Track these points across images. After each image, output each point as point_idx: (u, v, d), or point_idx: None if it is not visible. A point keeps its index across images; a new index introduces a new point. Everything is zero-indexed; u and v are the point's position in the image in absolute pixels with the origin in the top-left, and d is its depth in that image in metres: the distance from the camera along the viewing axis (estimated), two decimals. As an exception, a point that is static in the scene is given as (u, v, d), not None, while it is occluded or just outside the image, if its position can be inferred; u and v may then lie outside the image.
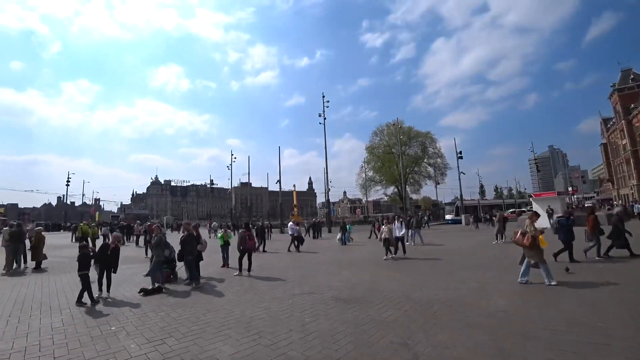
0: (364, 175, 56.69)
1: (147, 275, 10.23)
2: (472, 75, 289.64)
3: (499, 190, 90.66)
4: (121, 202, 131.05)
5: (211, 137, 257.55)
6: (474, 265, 10.69)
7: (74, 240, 25.49)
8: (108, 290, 7.67)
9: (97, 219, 61.24)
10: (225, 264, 11.70)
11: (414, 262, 11.88)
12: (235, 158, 54.49)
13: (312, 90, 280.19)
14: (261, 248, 17.25)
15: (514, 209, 46.63)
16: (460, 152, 43.57)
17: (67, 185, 55.85)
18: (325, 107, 42.21)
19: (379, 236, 13.54)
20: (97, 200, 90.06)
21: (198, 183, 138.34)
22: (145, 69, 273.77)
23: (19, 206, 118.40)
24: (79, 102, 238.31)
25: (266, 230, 20.80)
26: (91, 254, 7.58)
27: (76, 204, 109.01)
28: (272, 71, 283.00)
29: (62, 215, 68.05)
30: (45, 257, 12.49)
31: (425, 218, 39.96)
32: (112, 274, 7.92)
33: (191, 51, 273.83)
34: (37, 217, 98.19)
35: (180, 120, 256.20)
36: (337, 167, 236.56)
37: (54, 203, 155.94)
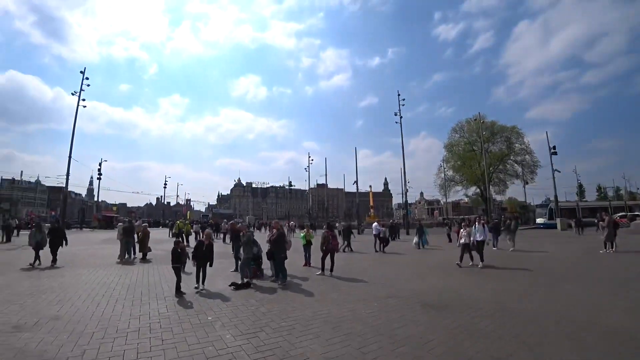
0: (442, 175, 53.83)
1: (235, 270, 10.92)
2: (564, 59, 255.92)
3: (602, 190, 78.55)
4: (208, 203, 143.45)
5: (288, 140, 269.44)
6: (580, 276, 9.44)
7: (170, 235, 28.33)
8: (203, 283, 8.28)
9: (188, 217, 68.05)
10: (307, 263, 11.94)
11: (505, 271, 10.83)
12: (312, 160, 55.94)
13: (385, 89, 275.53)
14: (347, 248, 17.56)
15: (624, 213, 40.22)
16: (554, 147, 38.92)
17: (165, 187, 62.74)
18: (400, 105, 41.17)
19: (458, 241, 12.54)
20: (188, 200, 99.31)
21: (277, 185, 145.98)
22: (227, 81, 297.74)
23: (127, 205, 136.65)
24: (172, 114, 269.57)
25: (352, 230, 20.66)
26: (179, 250, 8.17)
27: (171, 204, 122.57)
28: (344, 73, 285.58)
29: (160, 213, 76.58)
30: (150, 250, 14.05)
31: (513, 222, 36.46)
32: (208, 268, 8.52)
33: (267, 61, 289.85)
34: (141, 215, 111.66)
35: (260, 126, 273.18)
36: (413, 167, 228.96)
37: (154, 203, 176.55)
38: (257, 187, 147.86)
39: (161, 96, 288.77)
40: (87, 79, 33.69)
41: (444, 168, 53.50)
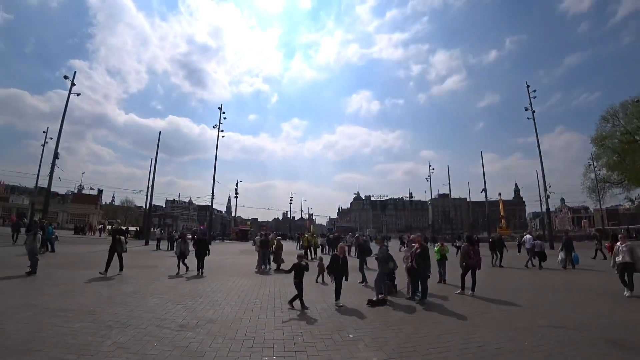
0: (592, 175, 42.32)
1: (360, 282, 10.60)
2: None
3: None
4: (329, 217, 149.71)
5: (405, 151, 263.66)
6: None
7: (298, 247, 30.00)
8: (338, 298, 8.11)
9: (311, 230, 71.83)
10: (442, 279, 10.89)
11: None
12: (433, 169, 53.12)
13: (507, 85, 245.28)
14: (496, 262, 16.12)
15: None
16: None
17: (290, 203, 67.58)
18: (531, 98, 36.27)
19: (611, 259, 9.55)
20: (310, 215, 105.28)
21: (395, 197, 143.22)
22: (341, 99, 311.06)
23: (259, 220, 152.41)
24: (293, 136, 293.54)
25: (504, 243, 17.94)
26: (302, 265, 8.10)
27: (296, 218, 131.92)
28: (457, 74, 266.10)
29: (287, 227, 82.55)
30: (283, 261, 14.84)
31: None
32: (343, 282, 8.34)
33: (376, 75, 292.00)
34: (269, 229, 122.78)
35: (375, 139, 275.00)
36: (549, 169, 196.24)
37: (280, 218, 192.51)
38: (375, 200, 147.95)
39: (283, 121, 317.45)
40: (223, 113, 39.08)
41: (594, 167, 42.36)
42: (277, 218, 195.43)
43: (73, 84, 28.42)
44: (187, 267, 12.70)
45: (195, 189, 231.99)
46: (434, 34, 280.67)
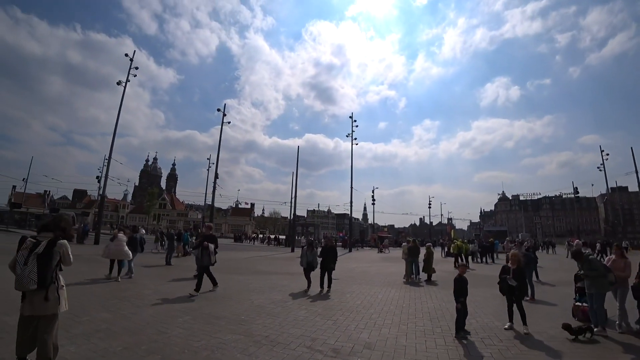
0: None
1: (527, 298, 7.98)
2: None
3: None
4: (470, 220, 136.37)
5: (558, 140, 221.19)
6: None
7: (443, 255, 27.18)
8: (524, 322, 6.03)
9: (452, 236, 66.02)
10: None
11: None
12: (607, 155, 41.77)
13: None
14: None
15: None
16: None
17: (429, 207, 63.55)
18: None
19: None
20: (449, 219, 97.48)
21: (550, 194, 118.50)
22: (473, 92, 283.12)
23: (395, 226, 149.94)
24: (426, 139, 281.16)
25: None
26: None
27: (433, 223, 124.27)
28: (623, 32, 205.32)
29: (424, 232, 78.15)
30: (434, 271, 13.02)
31: None
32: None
33: (512, 57, 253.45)
34: (407, 234, 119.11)
35: (518, 130, 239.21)
36: None
37: (417, 223, 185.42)
38: (525, 200, 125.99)
39: (413, 124, 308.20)
40: (355, 121, 39.14)
41: None
42: (414, 224, 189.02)
43: (224, 114, 32.79)
44: (307, 287, 9.78)
45: (333, 199, 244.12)
46: None
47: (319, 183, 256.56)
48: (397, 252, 34.39)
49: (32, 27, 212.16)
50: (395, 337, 5.46)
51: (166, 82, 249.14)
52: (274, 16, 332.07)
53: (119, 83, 25.75)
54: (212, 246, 8.70)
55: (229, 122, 32.42)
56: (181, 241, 18.62)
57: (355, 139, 38.39)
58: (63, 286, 3.64)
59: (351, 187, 37.58)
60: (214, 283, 9.08)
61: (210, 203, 31.67)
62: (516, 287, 6.07)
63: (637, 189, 38.29)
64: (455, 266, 18.08)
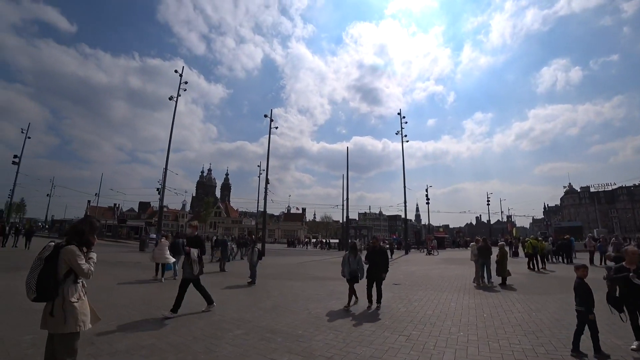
0: None
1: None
2: None
3: None
4: (533, 217, 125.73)
5: (632, 122, 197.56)
6: None
7: (510, 255, 24.68)
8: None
9: (514, 234, 61.11)
10: None
11: None
12: None
13: None
14: None
15: None
16: None
17: (488, 204, 59.57)
18: None
19: None
20: (509, 217, 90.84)
21: (627, 184, 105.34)
22: (528, 78, 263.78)
23: (450, 226, 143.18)
24: (478, 133, 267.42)
25: None
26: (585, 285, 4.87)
27: (491, 222, 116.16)
28: None
29: (481, 232, 73.18)
30: (509, 274, 11.46)
31: None
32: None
33: (570, 35, 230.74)
34: (462, 235, 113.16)
35: (583, 115, 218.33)
36: None
37: (474, 222, 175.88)
38: (597, 191, 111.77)
39: (464, 119, 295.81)
40: (404, 117, 37.48)
41: None
42: (471, 223, 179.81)
43: (271, 120, 32.97)
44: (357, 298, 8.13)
45: (383, 201, 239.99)
46: None
47: (368, 185, 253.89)
48: (449, 254, 32.23)
49: (98, 60, 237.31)
50: (488, 359, 4.38)
51: (216, 97, 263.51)
52: (313, 23, 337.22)
53: (170, 98, 26.80)
54: (195, 252, 6.61)
55: (277, 128, 32.58)
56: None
57: (406, 135, 36.79)
58: (74, 302, 2.97)
59: (404, 185, 35.92)
60: (209, 301, 6.94)
61: (263, 209, 31.77)
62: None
63: None
64: (529, 267, 16.07)
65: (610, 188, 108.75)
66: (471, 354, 4.61)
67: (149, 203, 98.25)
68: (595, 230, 61.88)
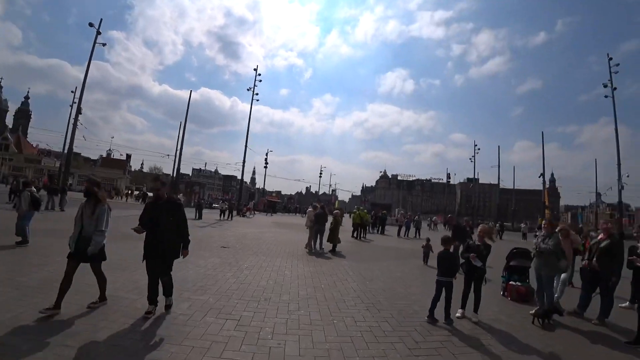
0: None
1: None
2: None
3: None
4: (352, 193, 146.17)
5: (436, 133, 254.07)
6: None
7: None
8: (477, 311, 4.92)
9: (336, 205, 69.00)
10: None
11: None
12: (479, 149, 48.86)
13: (551, 70, 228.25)
14: None
15: None
16: None
17: (320, 176, 64.71)
18: (612, 73, 30.98)
19: None
20: (333, 190, 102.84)
21: (423, 178, 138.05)
22: (375, 77, 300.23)
23: (282, 193, 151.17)
24: (324, 113, 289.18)
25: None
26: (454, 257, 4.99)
27: (318, 193, 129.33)
28: (500, 56, 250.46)
29: (310, 201, 79.82)
30: (339, 241, 11.72)
31: None
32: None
33: (414, 53, 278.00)
34: (293, 202, 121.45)
35: (406, 119, 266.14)
36: (585, 163, 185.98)
37: (303, 192, 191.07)
38: (402, 180, 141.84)
39: (314, 97, 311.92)
40: (259, 74, 35.70)
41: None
42: (301, 192, 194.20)
43: (99, 32, 26.05)
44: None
45: (222, 159, 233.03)
46: (481, 12, 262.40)
47: (209, 142, 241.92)
48: (281, 218, 33.38)
49: None
50: (339, 349, 3.53)
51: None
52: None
53: None
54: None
55: (104, 44, 25.84)
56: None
57: (257, 94, 35.21)
58: None
59: (246, 145, 34.56)
60: None
61: (69, 145, 24.91)
62: (480, 268, 4.85)
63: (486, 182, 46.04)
64: (353, 236, 17.26)
65: (411, 179, 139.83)
66: (318, 341, 3.68)
67: None
68: (397, 209, 75.78)
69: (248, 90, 35.09)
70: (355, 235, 17.33)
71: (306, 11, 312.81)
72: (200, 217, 21.22)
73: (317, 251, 11.17)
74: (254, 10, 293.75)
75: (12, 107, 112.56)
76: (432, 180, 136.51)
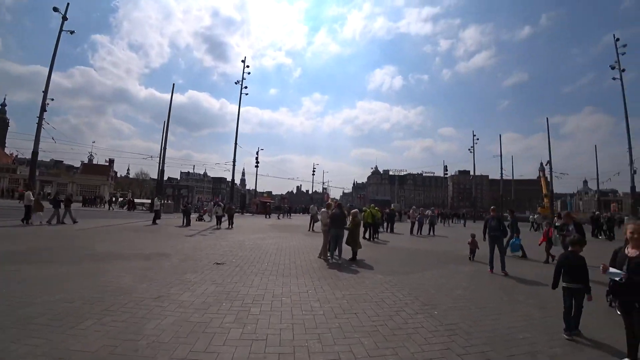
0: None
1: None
2: None
3: None
4: (343, 190, 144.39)
5: (425, 128, 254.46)
6: None
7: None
8: None
9: (328, 201, 66.84)
10: None
11: None
12: (477, 139, 47.18)
13: (537, 63, 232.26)
14: None
15: None
16: None
17: (313, 174, 62.57)
18: (619, 55, 29.46)
19: None
20: (325, 188, 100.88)
21: (414, 172, 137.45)
22: (364, 74, 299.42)
23: (273, 193, 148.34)
24: (313, 111, 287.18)
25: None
26: None
27: (309, 192, 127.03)
28: (486, 51, 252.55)
29: (302, 200, 77.68)
30: (360, 247, 9.43)
31: None
32: None
33: (403, 50, 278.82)
34: (287, 201, 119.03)
35: (396, 115, 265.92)
36: (570, 152, 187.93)
37: (294, 191, 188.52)
38: (394, 175, 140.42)
39: (304, 95, 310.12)
40: (247, 66, 33.44)
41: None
42: (292, 191, 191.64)
43: (65, 18, 23.29)
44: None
45: (211, 162, 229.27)
46: (467, 8, 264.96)
47: (198, 145, 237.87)
48: (277, 220, 31.03)
49: None
50: None
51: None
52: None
53: None
54: None
55: (73, 32, 22.97)
56: None
57: (246, 87, 32.84)
58: None
59: (235, 143, 32.17)
60: None
61: (33, 148, 22.06)
62: None
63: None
64: (364, 237, 14.95)
65: (402, 173, 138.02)
66: None
67: None
68: (392, 204, 73.95)
69: (236, 83, 32.72)
70: (366, 236, 15.07)
71: (294, 10, 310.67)
72: (188, 224, 18.75)
73: (336, 261, 8.90)
74: (241, 10, 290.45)
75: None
76: (424, 174, 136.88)
